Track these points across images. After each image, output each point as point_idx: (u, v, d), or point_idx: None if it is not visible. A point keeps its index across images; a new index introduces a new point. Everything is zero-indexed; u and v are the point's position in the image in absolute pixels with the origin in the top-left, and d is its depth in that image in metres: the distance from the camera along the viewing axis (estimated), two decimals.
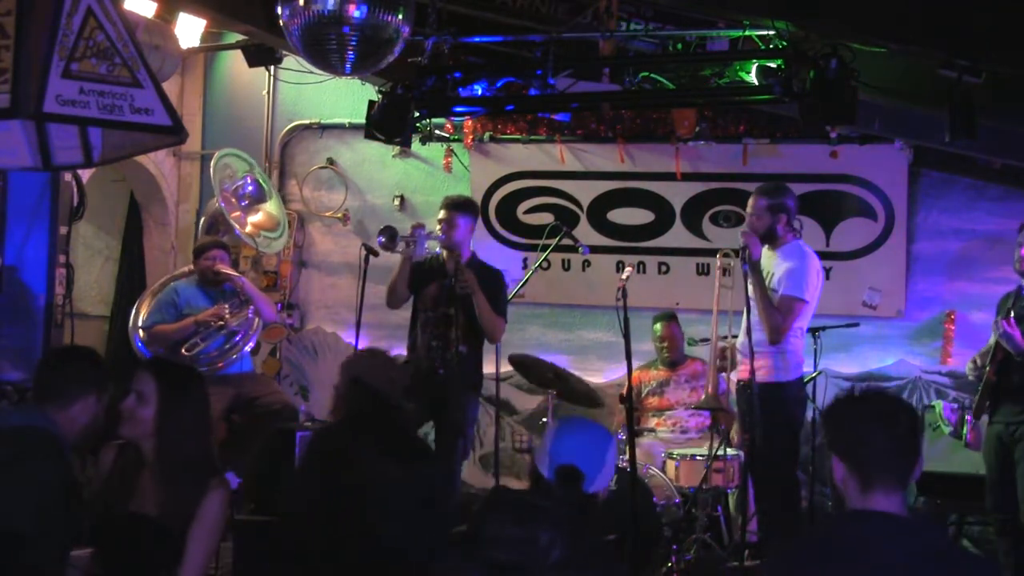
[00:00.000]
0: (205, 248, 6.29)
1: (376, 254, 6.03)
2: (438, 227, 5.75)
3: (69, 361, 3.41)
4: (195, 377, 3.45)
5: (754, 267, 5.17)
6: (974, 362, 5.40)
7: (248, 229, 6.77)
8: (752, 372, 5.09)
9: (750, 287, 5.20)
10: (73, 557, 3.31)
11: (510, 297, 6.33)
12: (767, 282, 5.22)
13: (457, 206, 5.77)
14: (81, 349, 3.73)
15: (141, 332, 6.31)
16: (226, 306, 6.21)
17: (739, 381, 5.34)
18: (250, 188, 6.80)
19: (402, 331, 5.95)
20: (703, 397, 5.71)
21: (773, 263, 5.26)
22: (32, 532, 3.01)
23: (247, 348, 6.38)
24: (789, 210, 5.31)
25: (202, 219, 7.11)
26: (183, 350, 6.09)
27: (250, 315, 6.30)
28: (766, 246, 5.29)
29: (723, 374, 5.68)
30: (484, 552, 2.32)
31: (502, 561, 2.29)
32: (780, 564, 2.52)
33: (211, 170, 6.74)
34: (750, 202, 5.35)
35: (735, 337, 5.42)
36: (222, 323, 6.20)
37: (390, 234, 5.63)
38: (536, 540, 2.30)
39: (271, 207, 6.92)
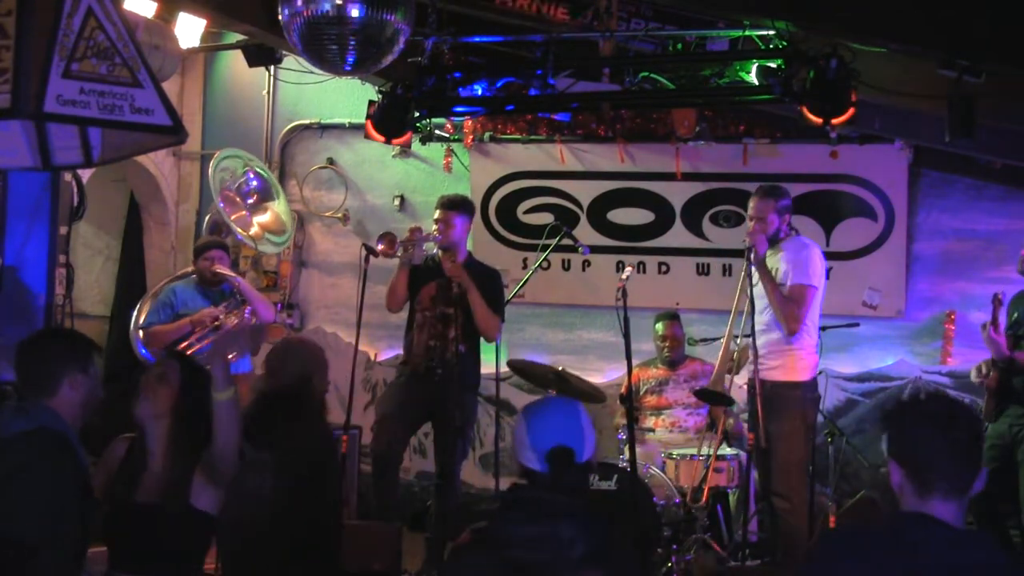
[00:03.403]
0: (204, 248, 6.27)
1: (376, 254, 6.03)
2: (434, 227, 5.75)
3: (40, 347, 3.35)
4: (208, 376, 3.55)
5: (760, 265, 5.25)
6: (979, 369, 5.50)
7: (254, 230, 6.73)
8: (756, 372, 5.13)
9: (759, 286, 5.24)
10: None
11: (510, 297, 6.33)
12: (775, 278, 5.30)
13: (453, 205, 5.78)
14: (49, 331, 3.68)
15: (140, 332, 6.30)
16: (221, 307, 6.19)
17: (749, 381, 5.36)
18: (254, 183, 6.73)
19: (403, 331, 5.95)
20: (710, 381, 5.72)
21: (776, 260, 5.33)
22: (48, 536, 3.00)
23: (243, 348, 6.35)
24: (791, 209, 5.47)
25: (206, 219, 7.08)
26: (176, 350, 6.07)
27: (246, 315, 6.28)
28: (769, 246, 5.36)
29: (728, 375, 5.70)
30: (507, 553, 2.31)
31: (527, 561, 2.28)
32: (821, 555, 2.46)
33: (209, 174, 6.72)
34: (755, 205, 5.37)
35: (747, 336, 5.46)
36: (217, 324, 6.19)
37: (389, 240, 5.64)
38: (559, 536, 2.29)
39: (279, 207, 6.87)
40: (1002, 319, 5.51)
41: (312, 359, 4.23)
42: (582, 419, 2.87)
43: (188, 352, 6.06)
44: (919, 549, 2.26)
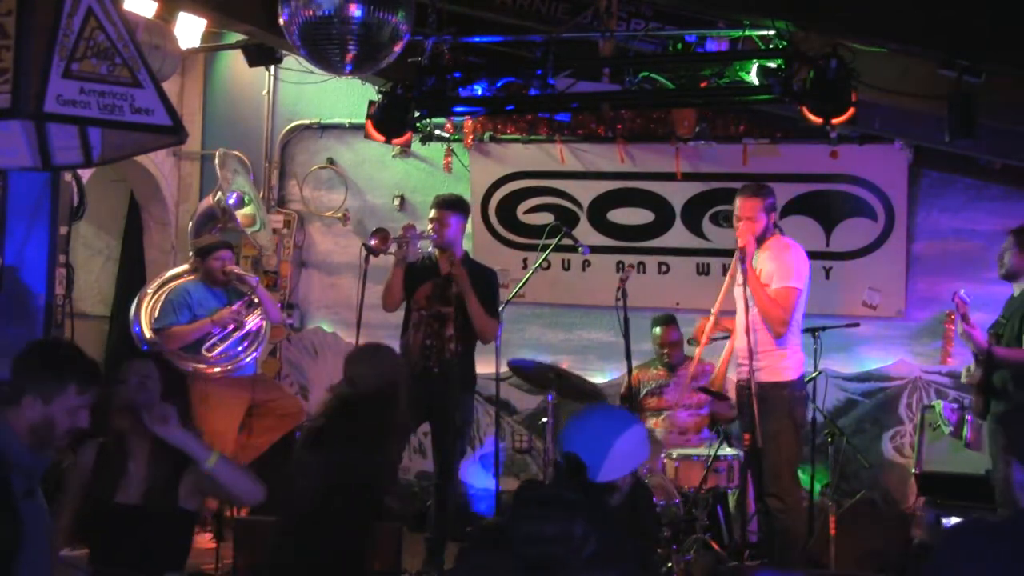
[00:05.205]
0: (214, 248, 6.27)
1: (373, 252, 6.04)
2: (429, 227, 5.76)
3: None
4: (184, 377, 3.63)
5: (749, 266, 5.26)
6: (968, 370, 5.52)
7: None
8: (751, 372, 5.12)
9: (747, 287, 5.25)
10: (69, 557, 3.30)
11: (510, 297, 6.34)
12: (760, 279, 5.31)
13: (448, 205, 5.79)
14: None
15: (149, 333, 6.29)
16: (237, 306, 6.22)
17: (739, 382, 5.36)
18: (231, 201, 6.79)
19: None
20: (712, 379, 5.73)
21: (762, 261, 5.34)
22: None
23: (259, 349, 6.37)
24: (776, 208, 5.49)
25: (192, 218, 7.08)
26: (203, 350, 6.08)
27: (260, 316, 6.32)
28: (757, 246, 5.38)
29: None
30: (518, 549, 2.30)
31: (538, 557, 2.28)
32: (944, 554, 2.46)
33: (217, 164, 6.71)
34: (742, 204, 5.38)
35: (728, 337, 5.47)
36: (237, 323, 6.20)
37: (382, 236, 5.66)
38: (571, 534, 2.29)
39: (247, 210, 6.93)
40: (973, 317, 5.46)
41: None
42: (615, 442, 2.79)
43: (214, 351, 6.09)
44: None
